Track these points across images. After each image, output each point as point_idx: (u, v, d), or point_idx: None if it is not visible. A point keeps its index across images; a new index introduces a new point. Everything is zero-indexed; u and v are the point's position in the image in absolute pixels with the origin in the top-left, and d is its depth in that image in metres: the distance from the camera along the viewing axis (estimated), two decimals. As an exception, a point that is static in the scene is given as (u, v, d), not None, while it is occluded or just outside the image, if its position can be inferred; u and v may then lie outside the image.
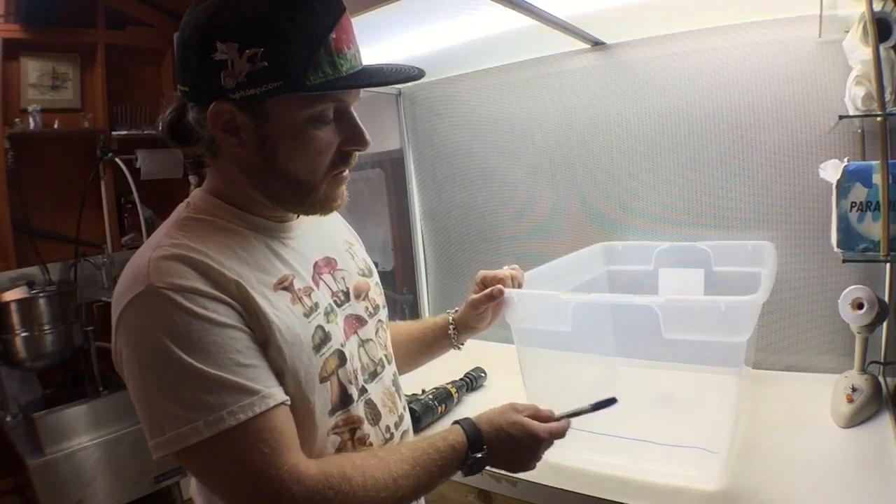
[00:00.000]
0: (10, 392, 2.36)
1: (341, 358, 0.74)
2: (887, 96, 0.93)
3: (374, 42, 1.36)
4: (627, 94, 1.52)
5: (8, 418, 2.32)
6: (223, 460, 0.61)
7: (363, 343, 0.81)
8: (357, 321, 0.81)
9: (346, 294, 0.81)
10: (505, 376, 1.42)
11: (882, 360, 1.21)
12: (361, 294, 0.84)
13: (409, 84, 1.87)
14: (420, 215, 1.99)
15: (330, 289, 0.78)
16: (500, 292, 1.02)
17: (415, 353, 1.05)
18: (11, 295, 2.26)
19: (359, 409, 0.76)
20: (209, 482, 0.65)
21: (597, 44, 1.52)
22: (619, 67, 1.52)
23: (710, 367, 1.01)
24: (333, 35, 0.64)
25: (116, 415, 2.23)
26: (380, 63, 0.71)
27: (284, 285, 0.71)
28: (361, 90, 0.71)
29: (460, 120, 1.83)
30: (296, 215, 0.78)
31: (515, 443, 0.78)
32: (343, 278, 0.82)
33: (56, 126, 2.67)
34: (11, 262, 2.56)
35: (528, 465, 0.81)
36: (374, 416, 0.79)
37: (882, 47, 0.92)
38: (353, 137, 0.70)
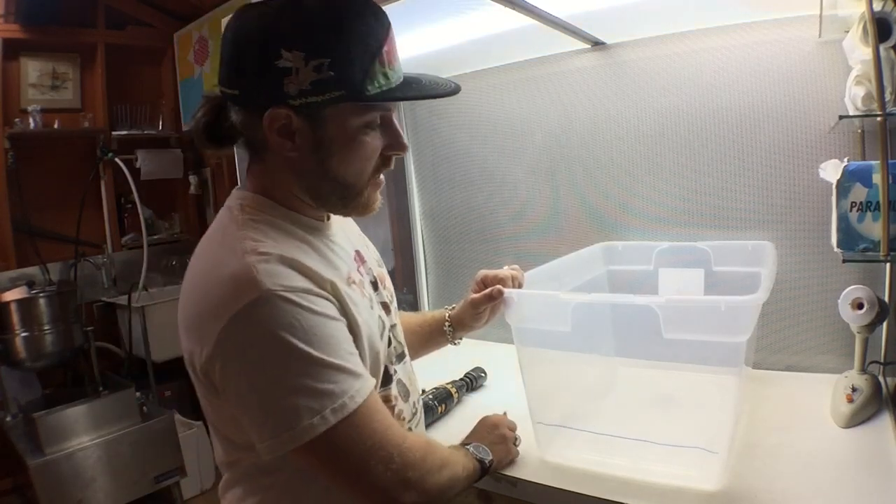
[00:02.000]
0: (10, 392, 2.36)
1: (389, 342, 0.83)
2: (887, 96, 0.93)
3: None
4: (627, 94, 1.52)
5: (8, 418, 2.32)
6: (349, 444, 0.66)
7: (392, 328, 0.88)
8: (386, 308, 0.87)
9: (375, 283, 0.88)
10: (505, 376, 1.42)
11: (882, 360, 1.21)
12: (384, 282, 0.92)
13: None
14: (420, 215, 1.99)
15: (367, 278, 0.85)
16: (500, 293, 1.03)
17: (414, 344, 1.08)
18: (11, 295, 2.26)
19: (394, 387, 0.83)
20: (336, 468, 0.68)
21: (597, 44, 1.52)
22: (619, 67, 1.52)
23: (710, 367, 1.01)
24: (385, 48, 0.69)
25: (116, 415, 2.23)
26: (417, 73, 0.74)
27: (351, 279, 0.77)
28: None
29: (460, 120, 1.83)
30: (327, 215, 0.83)
31: (483, 426, 1.00)
32: (370, 269, 0.89)
33: (56, 126, 2.67)
34: (11, 262, 2.57)
35: (507, 441, 1.00)
36: (405, 393, 0.86)
37: (882, 47, 0.92)
38: (395, 143, 0.75)
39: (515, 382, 1.12)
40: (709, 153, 1.42)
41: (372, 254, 0.95)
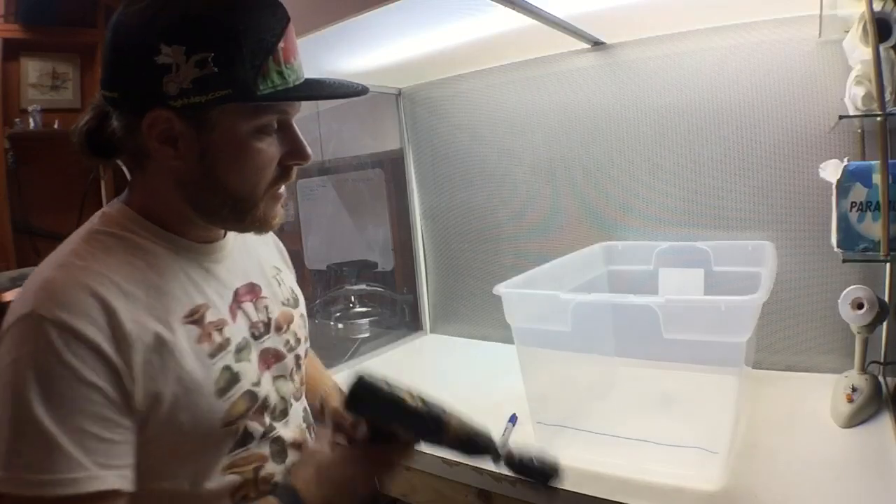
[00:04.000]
0: (10, 392, 2.36)
1: (252, 399, 0.70)
2: (887, 96, 0.93)
3: (374, 43, 1.36)
4: (627, 94, 1.52)
5: (8, 418, 2.32)
6: None
7: (275, 379, 0.76)
8: (274, 356, 0.76)
9: (267, 325, 0.76)
10: (505, 376, 1.42)
11: (882, 360, 1.21)
12: (283, 326, 0.79)
13: (410, 84, 1.88)
14: (420, 215, 1.99)
15: (249, 319, 0.74)
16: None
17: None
18: (11, 295, 2.25)
19: (263, 447, 0.71)
20: None
21: (597, 44, 1.52)
22: (619, 67, 1.52)
23: (710, 367, 1.01)
24: (282, 44, 0.62)
25: (116, 415, 2.23)
26: (321, 76, 0.69)
27: (195, 318, 0.65)
28: (302, 102, 0.68)
29: (460, 120, 1.83)
30: (222, 235, 0.74)
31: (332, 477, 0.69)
32: (266, 307, 0.77)
33: (56, 126, 2.67)
34: (11, 262, 2.56)
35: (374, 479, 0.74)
36: (281, 454, 0.73)
37: (882, 47, 0.92)
38: (295, 151, 0.67)
39: (515, 382, 1.12)
40: (709, 153, 1.42)
41: (283, 291, 0.82)
